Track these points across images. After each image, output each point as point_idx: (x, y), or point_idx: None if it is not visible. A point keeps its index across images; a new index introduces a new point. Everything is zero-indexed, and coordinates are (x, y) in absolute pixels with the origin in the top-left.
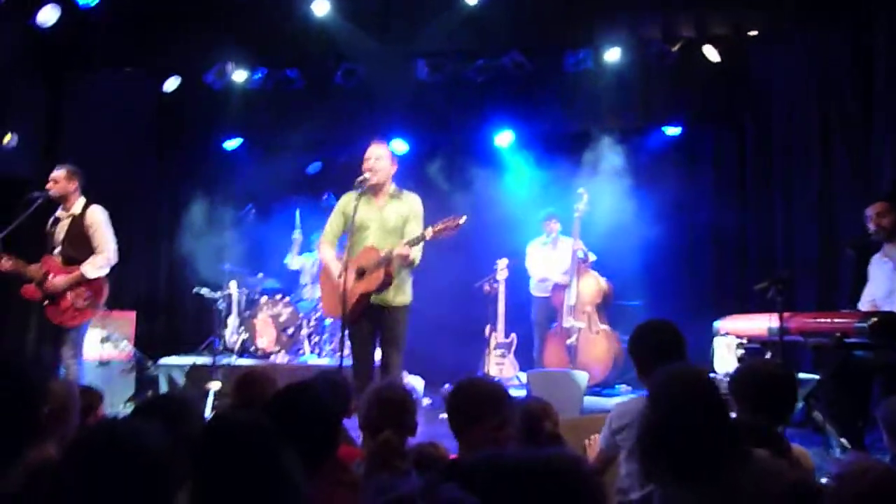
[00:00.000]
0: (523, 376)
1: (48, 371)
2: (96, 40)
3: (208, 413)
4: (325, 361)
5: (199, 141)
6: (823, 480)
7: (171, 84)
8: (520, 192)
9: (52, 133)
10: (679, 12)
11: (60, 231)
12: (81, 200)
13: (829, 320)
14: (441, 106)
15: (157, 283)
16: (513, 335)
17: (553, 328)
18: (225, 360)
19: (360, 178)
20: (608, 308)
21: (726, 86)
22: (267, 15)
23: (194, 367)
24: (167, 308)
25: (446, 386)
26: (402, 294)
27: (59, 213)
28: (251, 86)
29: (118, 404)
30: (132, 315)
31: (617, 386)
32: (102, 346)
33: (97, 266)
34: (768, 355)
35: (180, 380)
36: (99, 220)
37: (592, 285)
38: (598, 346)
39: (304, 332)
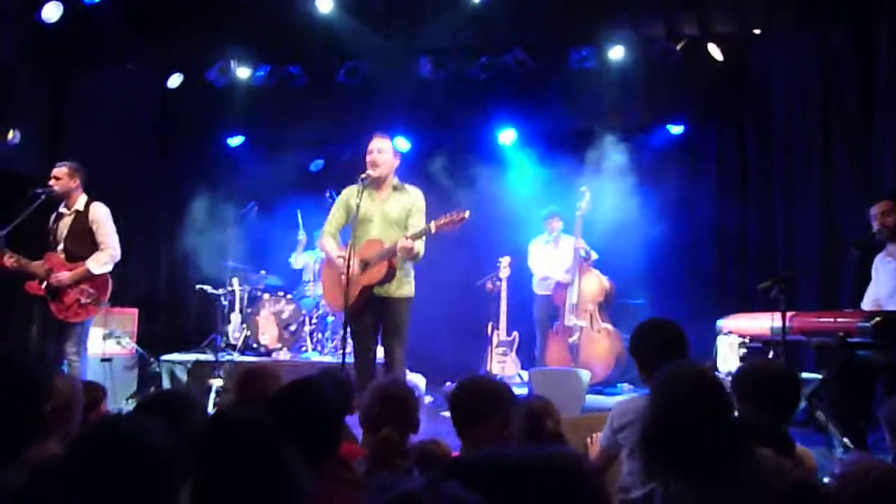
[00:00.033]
0: (525, 374)
1: (51, 367)
2: (99, 37)
3: (211, 409)
4: (327, 358)
5: (201, 138)
6: (826, 480)
7: (174, 81)
8: (522, 190)
9: (55, 130)
10: (682, 10)
11: (63, 228)
12: (83, 197)
13: (831, 320)
14: (444, 103)
15: (160, 280)
16: (515, 333)
17: (555, 326)
18: (227, 357)
19: (364, 174)
20: (610, 306)
21: (729, 84)
22: (270, 12)
23: (197, 363)
24: (169, 305)
25: (448, 384)
26: (405, 287)
27: (61, 209)
28: (254, 83)
29: (121, 401)
30: (135, 311)
31: (619, 385)
32: (105, 342)
33: (101, 263)
34: (771, 354)
35: (183, 376)
36: (102, 216)
37: (594, 284)
38: (599, 344)
39: (307, 329)
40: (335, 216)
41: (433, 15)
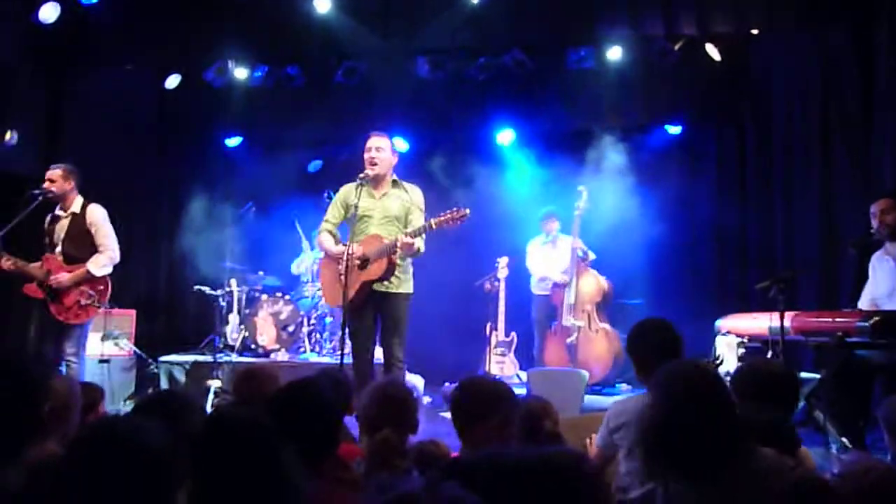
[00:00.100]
0: (524, 375)
1: (49, 368)
2: (97, 37)
3: (209, 410)
4: (325, 359)
5: (199, 139)
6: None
7: (172, 81)
8: (521, 191)
9: (53, 130)
10: (680, 10)
11: (60, 230)
12: (79, 199)
13: (830, 319)
14: (442, 104)
15: (158, 281)
16: (513, 334)
17: (553, 327)
18: (225, 358)
19: (362, 174)
20: (608, 307)
21: (727, 84)
22: (268, 12)
23: (195, 364)
24: (168, 306)
25: (447, 384)
26: (404, 283)
27: (57, 211)
28: (252, 83)
29: (119, 402)
30: (133, 313)
31: (617, 385)
32: (103, 343)
33: (101, 265)
34: (769, 354)
35: (181, 378)
36: (100, 218)
37: (592, 284)
38: (597, 344)
39: (305, 329)
40: (333, 213)
41: (431, 15)
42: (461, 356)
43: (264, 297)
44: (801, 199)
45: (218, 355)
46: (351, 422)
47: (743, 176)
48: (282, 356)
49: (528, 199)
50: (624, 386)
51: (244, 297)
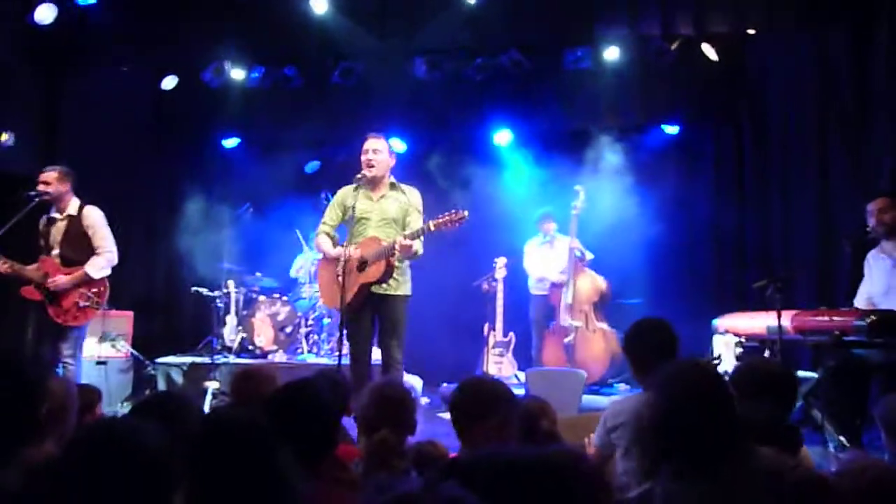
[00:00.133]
0: (522, 375)
1: (46, 370)
2: (94, 38)
3: (206, 412)
4: (323, 360)
5: (196, 139)
6: None
7: (169, 82)
8: (518, 191)
9: (50, 131)
10: (677, 10)
11: (56, 233)
12: (75, 201)
13: (827, 318)
14: (439, 104)
15: (155, 282)
16: (511, 334)
17: (551, 327)
18: (223, 360)
19: (359, 175)
20: (606, 306)
21: (725, 84)
22: (265, 13)
23: (192, 366)
24: (165, 307)
25: (445, 385)
26: (402, 285)
27: (52, 213)
28: (249, 84)
29: (116, 403)
30: (130, 314)
31: (615, 385)
32: (100, 345)
33: (99, 267)
34: (767, 353)
35: (178, 379)
36: (97, 220)
37: (589, 284)
38: (595, 344)
39: (303, 330)
40: (331, 215)
41: (429, 15)
42: (459, 357)
43: (262, 298)
44: (798, 198)
45: (215, 357)
46: (349, 423)
47: (740, 175)
48: (279, 357)
49: (525, 200)
50: (622, 386)
51: (242, 298)
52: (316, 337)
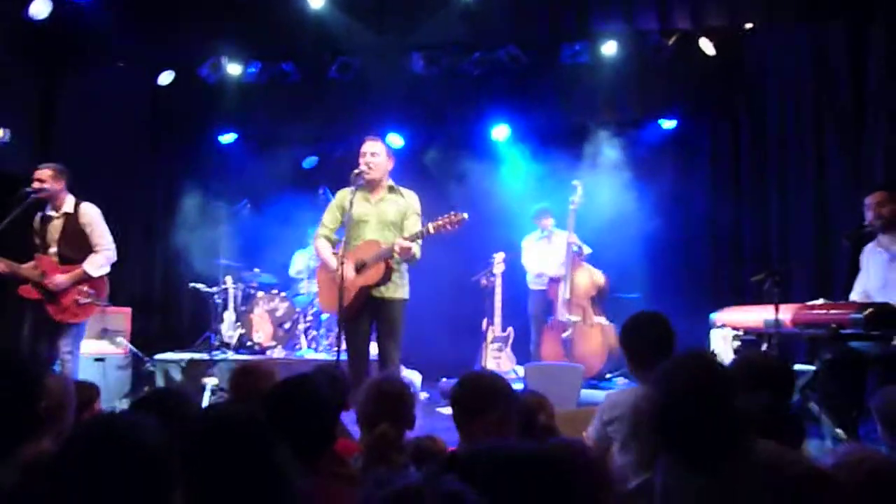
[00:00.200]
0: (520, 370)
1: (44, 367)
2: (89, 34)
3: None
4: (321, 356)
5: (193, 135)
6: None
7: (166, 78)
8: (516, 186)
9: (46, 128)
10: (674, 4)
11: (53, 231)
12: (71, 199)
13: (824, 312)
14: (437, 99)
15: (153, 279)
16: (510, 329)
17: (550, 321)
18: (221, 356)
19: (356, 171)
20: (604, 301)
21: (722, 79)
22: (261, 8)
23: (191, 362)
24: (163, 303)
25: (444, 380)
26: (400, 289)
27: (48, 212)
28: (246, 79)
29: (114, 400)
30: (128, 311)
31: (614, 379)
32: (98, 342)
33: (98, 265)
34: (764, 347)
35: (177, 375)
36: (94, 217)
37: (586, 278)
38: (592, 339)
39: (301, 326)
40: (330, 218)
41: (426, 10)
42: (458, 352)
43: (260, 294)
44: (795, 193)
45: (214, 353)
46: (348, 417)
47: (737, 170)
48: (278, 353)
49: (523, 195)
50: (620, 380)
51: (240, 294)
52: (314, 333)
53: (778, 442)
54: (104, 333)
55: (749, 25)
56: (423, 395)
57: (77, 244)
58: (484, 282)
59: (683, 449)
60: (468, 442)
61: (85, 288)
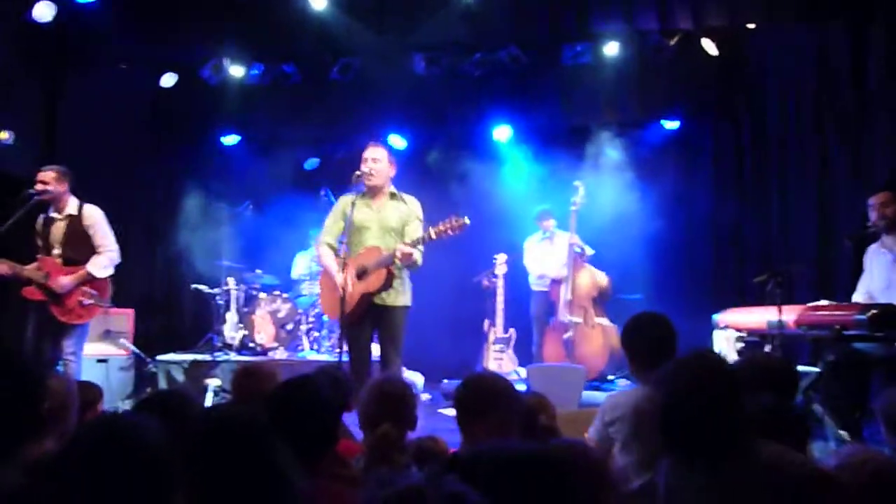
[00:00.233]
0: (522, 371)
1: (47, 368)
2: (92, 36)
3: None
4: (324, 357)
5: (196, 137)
6: None
7: (168, 80)
8: (518, 187)
9: (49, 130)
10: (676, 4)
11: (57, 232)
12: (74, 200)
13: (828, 313)
14: (438, 100)
15: (155, 280)
16: (511, 330)
17: (552, 322)
18: (224, 357)
19: (357, 173)
20: (606, 302)
21: (724, 79)
22: (263, 10)
23: (193, 363)
24: (165, 305)
25: (445, 381)
26: (402, 296)
27: (51, 213)
28: (248, 81)
29: (117, 401)
30: (131, 312)
31: (615, 380)
32: (101, 343)
33: (102, 266)
34: (767, 348)
35: (179, 377)
36: (98, 219)
37: (587, 279)
38: (594, 340)
39: (303, 327)
40: (332, 225)
41: (427, 11)
42: (460, 353)
43: (262, 295)
44: (797, 193)
45: (216, 354)
46: (350, 419)
47: (739, 170)
48: (280, 354)
49: (524, 195)
50: (622, 381)
51: (242, 295)
52: (317, 334)
53: (782, 443)
54: (107, 335)
55: (751, 25)
56: (425, 396)
57: (81, 246)
58: (486, 283)
59: (686, 449)
60: (471, 443)
61: (88, 289)
